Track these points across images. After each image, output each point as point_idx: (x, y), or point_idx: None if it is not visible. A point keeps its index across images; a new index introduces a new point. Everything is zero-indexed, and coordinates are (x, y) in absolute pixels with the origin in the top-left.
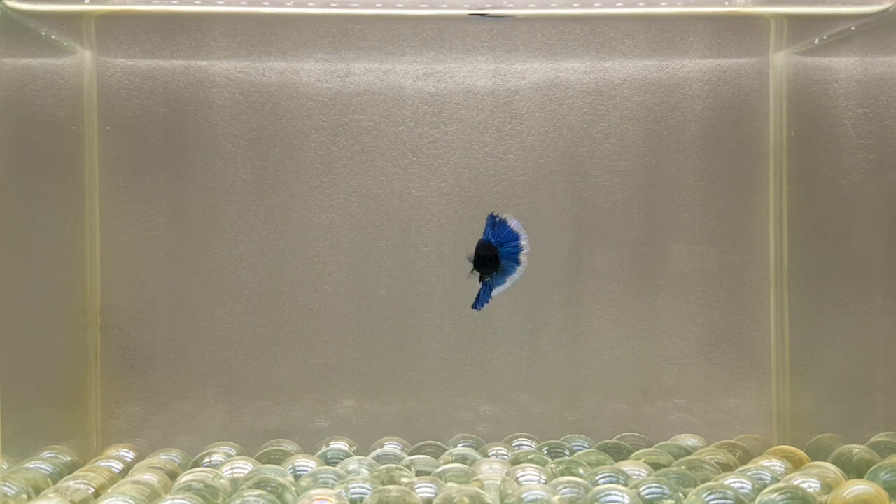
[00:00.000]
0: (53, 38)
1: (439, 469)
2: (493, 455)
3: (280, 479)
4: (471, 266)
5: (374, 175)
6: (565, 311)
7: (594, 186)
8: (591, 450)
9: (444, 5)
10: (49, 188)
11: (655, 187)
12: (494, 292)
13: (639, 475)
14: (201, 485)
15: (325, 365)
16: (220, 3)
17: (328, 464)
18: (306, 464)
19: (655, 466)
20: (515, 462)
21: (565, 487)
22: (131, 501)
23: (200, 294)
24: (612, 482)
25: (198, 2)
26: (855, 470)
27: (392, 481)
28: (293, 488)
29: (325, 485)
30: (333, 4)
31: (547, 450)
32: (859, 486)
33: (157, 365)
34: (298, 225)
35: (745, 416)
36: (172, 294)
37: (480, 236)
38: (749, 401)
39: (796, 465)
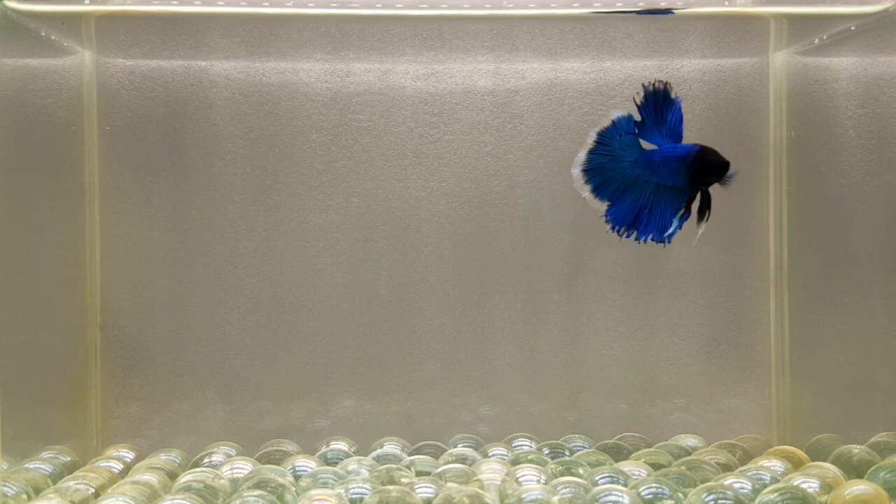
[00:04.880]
0: (53, 38)
1: (439, 469)
2: (493, 455)
3: (280, 480)
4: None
5: (374, 175)
6: (565, 311)
7: None
8: (591, 450)
9: (444, 5)
10: (49, 188)
11: None
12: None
13: (639, 475)
14: (201, 485)
15: (325, 365)
16: (220, 3)
17: (328, 464)
18: (306, 464)
19: (655, 466)
20: (515, 462)
21: (565, 487)
22: (131, 501)
23: (200, 294)
24: (612, 482)
25: (198, 2)
26: (855, 470)
27: (392, 481)
28: (293, 488)
29: (325, 485)
30: (333, 4)
31: (547, 450)
32: (859, 487)
33: (157, 365)
34: (298, 225)
35: (745, 416)
36: (172, 294)
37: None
38: (749, 401)
39: (796, 465)
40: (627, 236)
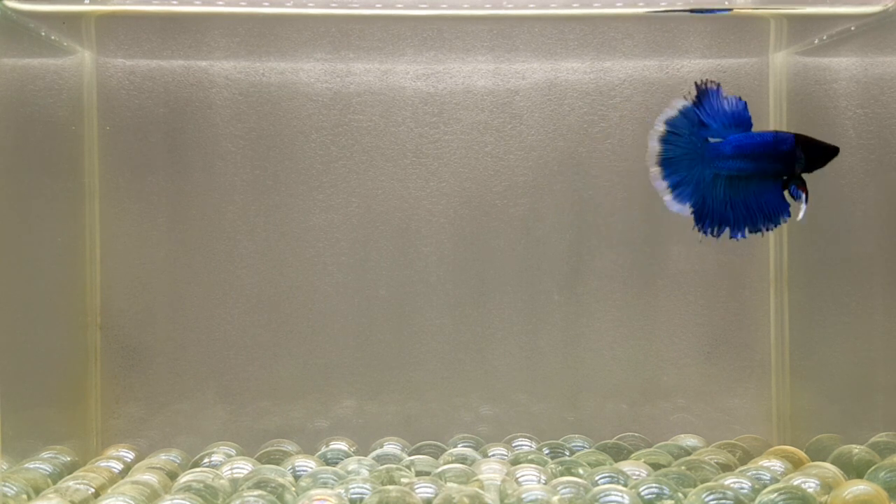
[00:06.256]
0: (53, 38)
1: (439, 469)
2: (493, 455)
3: (280, 479)
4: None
5: (374, 175)
6: (565, 311)
7: (594, 186)
8: (591, 450)
9: (444, 5)
10: (49, 188)
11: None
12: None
13: (639, 475)
14: (201, 485)
15: (325, 365)
16: (220, 3)
17: (328, 464)
18: (306, 464)
19: (655, 466)
20: (515, 462)
21: (565, 487)
22: (131, 501)
23: (200, 294)
24: (612, 482)
25: (198, 2)
26: (855, 470)
27: (392, 481)
28: (293, 488)
29: (324, 485)
30: (333, 4)
31: (547, 450)
32: (859, 487)
33: (157, 365)
34: (298, 225)
35: (745, 416)
36: (172, 294)
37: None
38: (749, 401)
39: (796, 465)
40: (719, 234)
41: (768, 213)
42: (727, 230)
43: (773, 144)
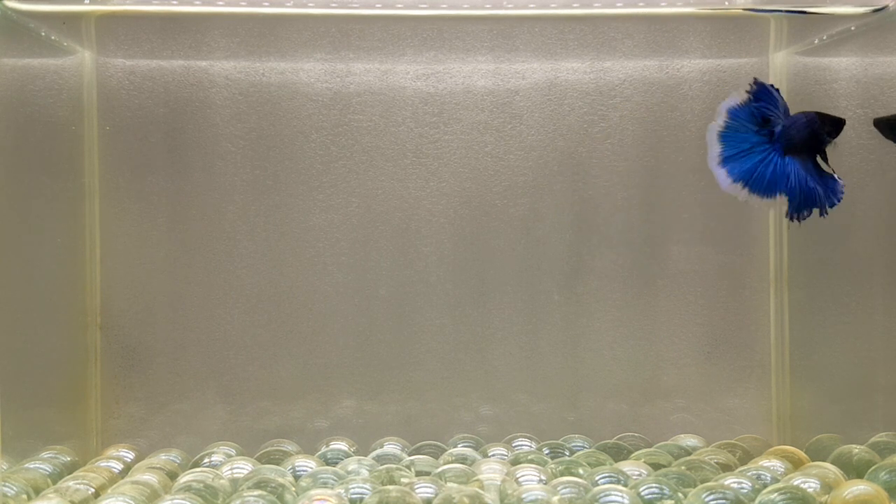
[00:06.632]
0: (53, 38)
1: (439, 469)
2: (493, 455)
3: (280, 480)
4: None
5: (374, 175)
6: (565, 311)
7: (594, 186)
8: (591, 450)
9: (444, 5)
10: (49, 188)
11: (655, 187)
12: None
13: (639, 475)
14: (201, 485)
15: (325, 365)
16: (220, 3)
17: (328, 464)
18: (306, 464)
19: (655, 466)
20: (515, 462)
21: (565, 487)
22: (131, 501)
23: (200, 294)
24: (612, 482)
25: (198, 2)
26: (855, 470)
27: (392, 481)
28: (293, 488)
29: (324, 485)
30: (333, 4)
31: (547, 450)
32: (859, 487)
33: (157, 365)
34: (298, 225)
35: (745, 416)
36: (172, 294)
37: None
38: (749, 401)
39: (796, 465)
40: (808, 216)
41: (830, 187)
42: (815, 210)
43: (814, 122)
